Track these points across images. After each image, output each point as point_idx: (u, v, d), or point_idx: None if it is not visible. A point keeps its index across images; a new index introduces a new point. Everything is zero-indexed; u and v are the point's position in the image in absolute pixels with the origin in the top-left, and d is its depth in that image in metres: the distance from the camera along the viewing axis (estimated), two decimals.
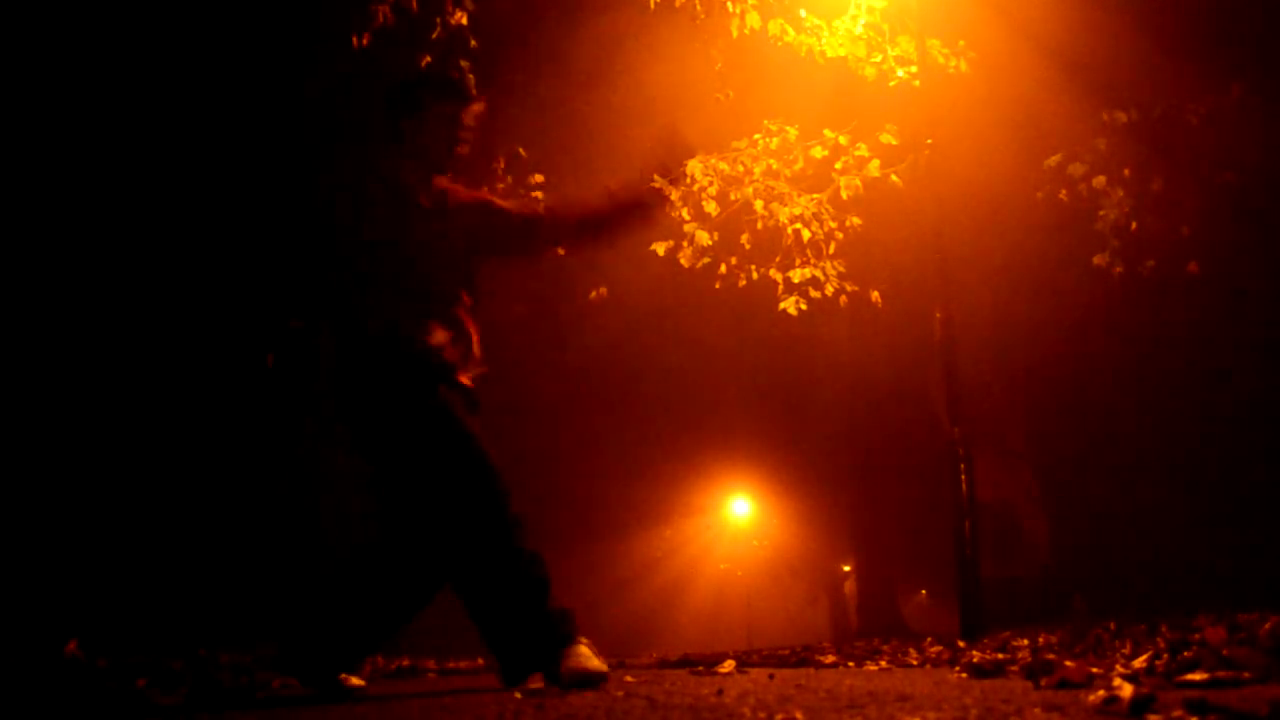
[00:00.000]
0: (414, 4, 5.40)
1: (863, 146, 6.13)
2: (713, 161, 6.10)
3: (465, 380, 2.76)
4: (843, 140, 6.18)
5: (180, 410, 12.11)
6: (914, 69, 6.11)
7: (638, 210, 3.02)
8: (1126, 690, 1.48)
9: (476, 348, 2.85)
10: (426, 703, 2.36)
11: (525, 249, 3.12)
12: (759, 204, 6.14)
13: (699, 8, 5.66)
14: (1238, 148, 7.14)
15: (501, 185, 6.90)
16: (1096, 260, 6.76)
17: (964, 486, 5.77)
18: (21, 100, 10.05)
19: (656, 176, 2.99)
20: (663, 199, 3.04)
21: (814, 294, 6.26)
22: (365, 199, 2.84)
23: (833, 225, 6.20)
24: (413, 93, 2.96)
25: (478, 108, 3.03)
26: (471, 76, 5.62)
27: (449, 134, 2.95)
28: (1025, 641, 4.31)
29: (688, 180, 6.11)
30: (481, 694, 2.65)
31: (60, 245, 10.81)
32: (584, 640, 2.62)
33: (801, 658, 5.08)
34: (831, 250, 6.25)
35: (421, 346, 2.68)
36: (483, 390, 2.82)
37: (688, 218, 6.16)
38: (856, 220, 6.24)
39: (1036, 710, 1.47)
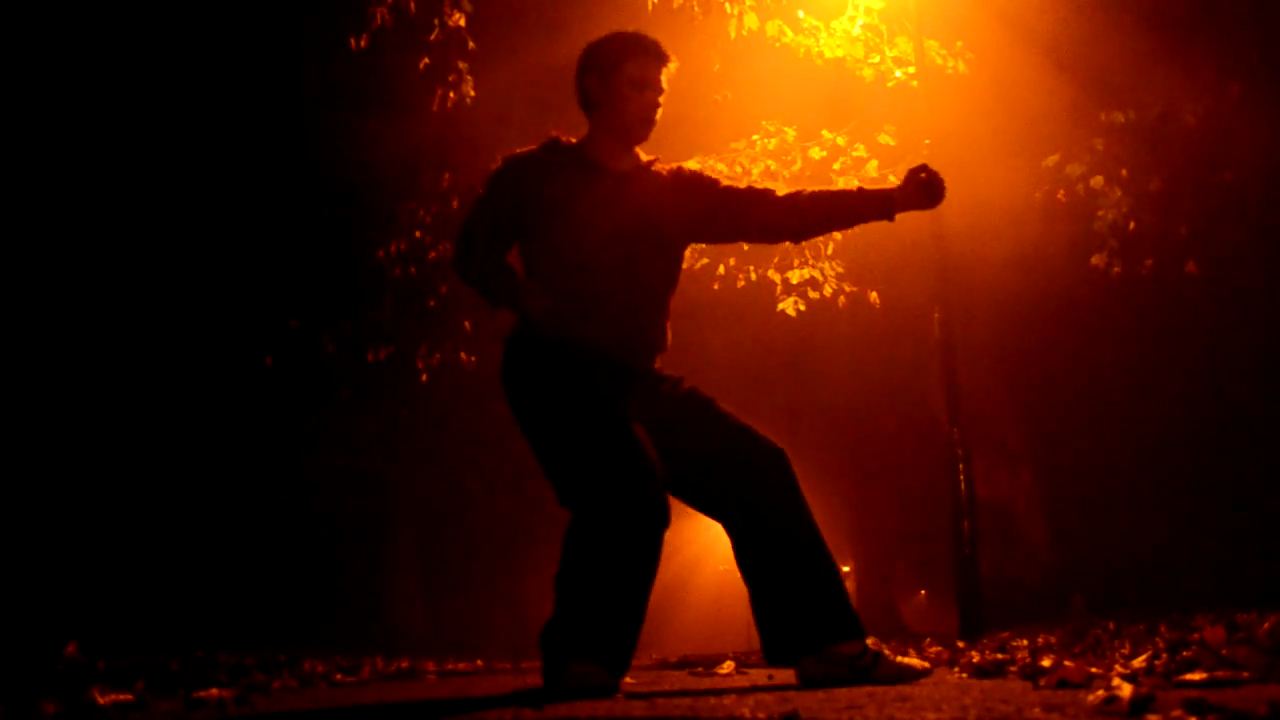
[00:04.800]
0: (412, 6, 5.41)
1: (861, 147, 6.13)
2: (711, 162, 6.10)
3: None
4: (841, 141, 6.19)
5: (180, 412, 12.10)
6: (912, 70, 6.12)
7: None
8: (1126, 690, 1.48)
9: None
10: (425, 704, 2.36)
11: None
12: None
13: (697, 9, 5.66)
14: (1235, 147, 7.14)
15: None
16: (1095, 260, 6.77)
17: (963, 486, 5.78)
18: (21, 94, 10.04)
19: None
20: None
21: (812, 294, 6.27)
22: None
23: None
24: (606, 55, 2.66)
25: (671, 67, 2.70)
26: (470, 78, 5.63)
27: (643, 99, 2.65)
28: (1024, 642, 4.32)
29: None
30: (480, 696, 2.65)
31: (60, 245, 10.81)
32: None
33: None
34: (830, 251, 6.25)
35: None
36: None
37: None
38: None
39: (1036, 710, 1.47)
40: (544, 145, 2.71)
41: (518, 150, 2.72)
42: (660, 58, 2.67)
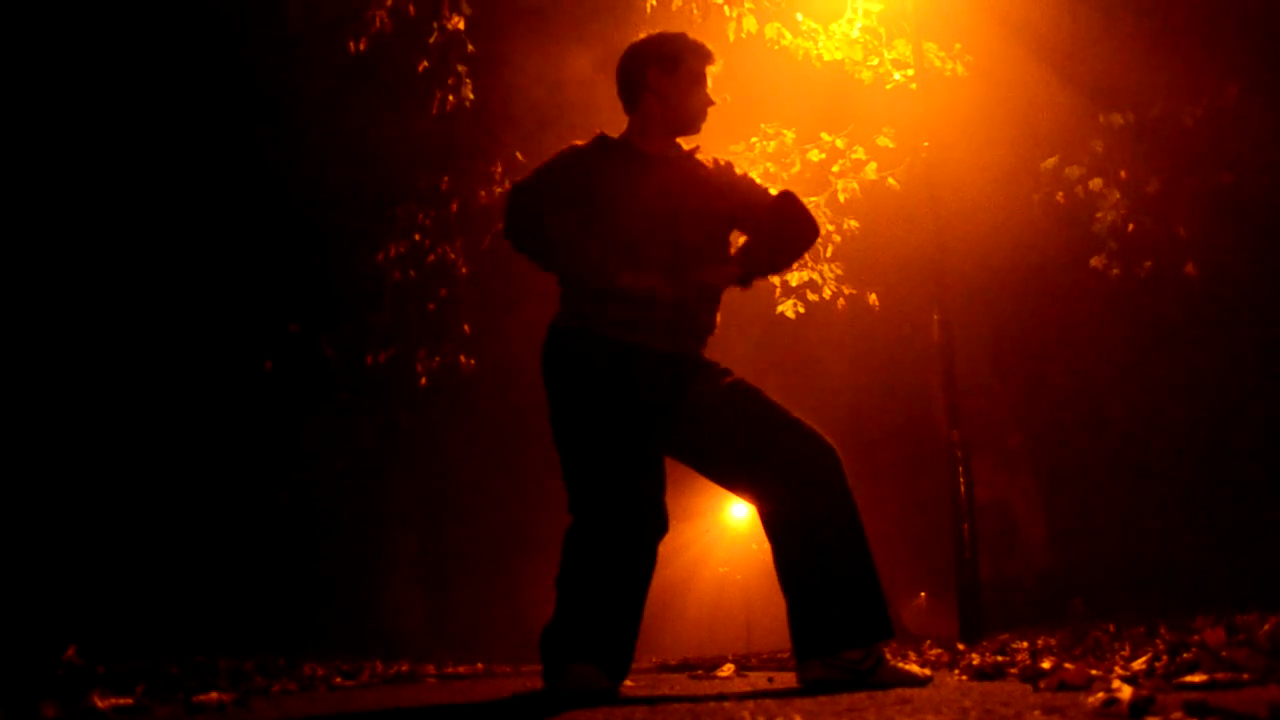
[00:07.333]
0: (411, 9, 5.41)
1: (860, 149, 6.14)
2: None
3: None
4: (840, 143, 6.19)
5: (180, 416, 12.10)
6: (910, 72, 6.12)
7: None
8: (1126, 692, 1.48)
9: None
10: (425, 708, 2.36)
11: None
12: None
13: (696, 12, 5.67)
14: (1234, 149, 7.15)
15: (499, 189, 6.91)
16: (1094, 262, 6.76)
17: (963, 488, 5.78)
18: (16, 93, 10.04)
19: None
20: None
21: (812, 297, 6.27)
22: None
23: (830, 228, 6.21)
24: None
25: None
26: (469, 81, 5.63)
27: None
28: (1024, 644, 4.31)
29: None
30: (479, 700, 2.65)
31: (62, 250, 10.81)
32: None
33: None
34: (829, 253, 6.26)
35: None
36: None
37: None
38: (854, 223, 6.26)
39: (1036, 713, 1.47)
40: (593, 140, 2.77)
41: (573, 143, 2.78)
42: (710, 57, 2.78)
